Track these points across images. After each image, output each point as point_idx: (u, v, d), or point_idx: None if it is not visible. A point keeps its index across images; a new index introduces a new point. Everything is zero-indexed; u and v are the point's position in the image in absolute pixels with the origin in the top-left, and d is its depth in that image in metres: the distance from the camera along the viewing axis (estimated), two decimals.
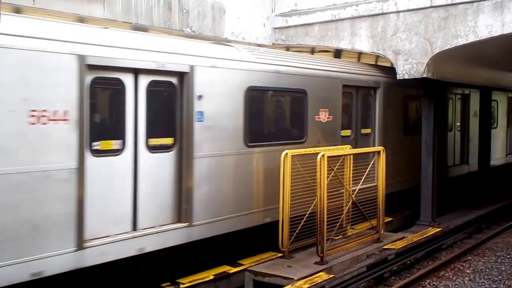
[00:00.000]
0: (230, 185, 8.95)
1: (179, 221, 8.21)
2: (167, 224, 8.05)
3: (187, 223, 8.20)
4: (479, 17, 10.57)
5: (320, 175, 8.65)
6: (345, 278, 8.44)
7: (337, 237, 9.75)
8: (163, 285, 8.22)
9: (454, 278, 9.17)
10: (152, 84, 7.83)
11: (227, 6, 12.52)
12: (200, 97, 8.31)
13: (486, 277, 9.18)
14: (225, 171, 8.86)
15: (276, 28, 13.76)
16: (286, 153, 8.89)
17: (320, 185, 8.68)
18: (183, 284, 8.27)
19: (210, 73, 8.55)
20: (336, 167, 9.33)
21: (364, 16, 12.24)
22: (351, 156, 9.96)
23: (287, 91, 10.30)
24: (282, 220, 8.92)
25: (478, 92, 18.17)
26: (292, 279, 8.06)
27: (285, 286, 7.94)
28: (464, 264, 9.95)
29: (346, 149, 10.22)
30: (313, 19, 13.08)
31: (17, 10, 8.54)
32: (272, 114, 10.42)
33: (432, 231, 11.59)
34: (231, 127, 8.96)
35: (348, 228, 10.19)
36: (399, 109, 13.66)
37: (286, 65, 10.19)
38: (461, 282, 8.96)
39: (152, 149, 7.86)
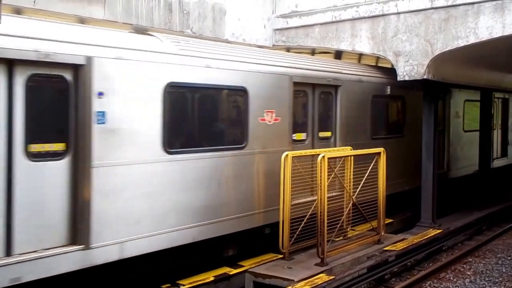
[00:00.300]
0: (145, 199, 7.59)
1: (73, 243, 6.87)
2: (56, 248, 6.68)
3: (83, 245, 6.85)
4: (480, 19, 10.57)
5: (321, 176, 8.65)
6: (345, 280, 8.43)
7: (338, 239, 9.75)
8: (163, 286, 8.20)
9: (455, 279, 9.16)
10: (33, 78, 6.53)
11: (228, 8, 12.53)
12: (100, 94, 7.03)
13: (486, 279, 9.16)
14: (137, 182, 7.49)
15: (277, 29, 13.76)
16: (287, 154, 8.89)
17: (320, 186, 8.68)
18: (183, 285, 8.26)
19: (115, 66, 7.20)
20: (336, 168, 9.34)
21: (364, 18, 12.25)
22: (352, 157, 9.96)
23: (222, 88, 8.92)
24: (283, 221, 8.91)
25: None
26: (293, 280, 8.06)
27: (285, 287, 7.93)
28: (464, 265, 9.93)
29: (347, 151, 10.22)
30: (314, 20, 13.09)
31: (18, 11, 8.54)
32: (202, 116, 8.78)
33: (432, 232, 11.59)
34: (145, 130, 7.59)
35: (348, 229, 10.18)
36: (365, 110, 12.29)
37: (220, 58, 8.84)
38: (462, 283, 8.94)
39: (35, 156, 6.54)
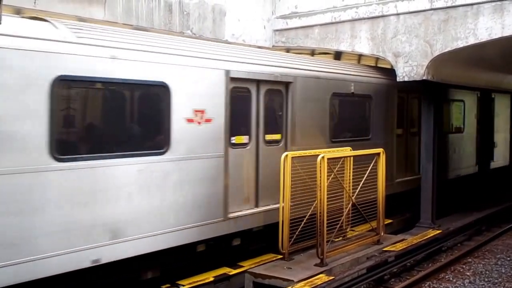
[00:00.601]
0: (23, 216, 6.22)
1: None
2: None
3: None
4: (479, 20, 10.60)
5: (320, 177, 8.66)
6: (345, 280, 8.44)
7: (337, 239, 9.76)
8: (163, 287, 8.20)
9: (454, 280, 9.17)
10: None
11: (228, 9, 12.56)
12: None
13: (486, 279, 9.17)
14: (13, 195, 6.11)
15: (277, 30, 13.79)
16: (286, 155, 8.90)
17: (320, 187, 8.70)
18: (183, 286, 8.25)
19: None
20: (336, 169, 9.35)
21: (364, 19, 12.28)
22: (351, 158, 9.98)
23: (134, 84, 7.48)
24: (282, 221, 8.92)
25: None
26: (292, 281, 8.07)
27: (285, 287, 7.97)
28: (464, 266, 9.94)
29: (346, 151, 10.24)
30: (313, 21, 13.12)
31: (18, 11, 8.56)
32: (106, 116, 7.37)
33: (432, 233, 11.61)
34: (25, 133, 6.20)
35: (348, 230, 10.20)
36: (324, 110, 10.89)
37: (131, 48, 7.43)
38: (461, 284, 8.95)
39: None
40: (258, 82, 9.52)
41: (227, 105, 8.76)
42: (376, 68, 13.80)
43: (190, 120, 8.20)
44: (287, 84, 10.04)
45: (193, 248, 8.44)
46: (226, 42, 12.07)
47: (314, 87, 10.60)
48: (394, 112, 13.28)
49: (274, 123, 9.95)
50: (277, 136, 9.96)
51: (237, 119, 9.13)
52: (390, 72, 12.75)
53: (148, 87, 7.70)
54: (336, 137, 11.18)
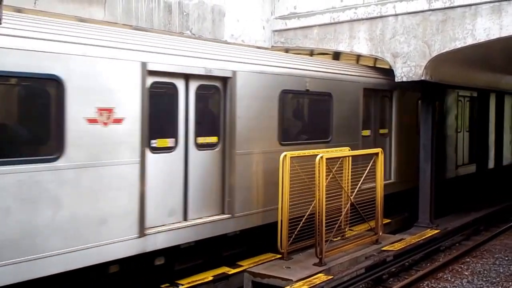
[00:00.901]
0: None
1: None
2: None
3: None
4: (477, 20, 10.64)
5: (319, 176, 8.70)
6: (343, 280, 8.47)
7: (336, 239, 9.80)
8: (162, 286, 8.23)
9: (452, 280, 9.20)
10: None
11: (227, 9, 12.60)
12: None
13: (484, 279, 9.21)
14: None
15: (276, 30, 13.83)
16: (285, 155, 8.93)
17: (318, 186, 8.73)
18: (182, 285, 8.28)
19: None
20: (335, 169, 9.39)
21: (362, 19, 12.32)
22: (350, 158, 10.02)
23: (12, 77, 6.29)
24: (281, 221, 8.96)
25: None
26: (291, 280, 8.09)
27: (284, 287, 7.98)
28: (462, 266, 9.98)
29: (345, 151, 10.28)
30: (312, 22, 13.16)
31: (19, 11, 8.58)
32: None
33: (430, 233, 11.65)
34: None
35: (346, 229, 10.23)
36: (271, 109, 9.73)
37: (8, 34, 6.16)
38: (459, 284, 8.99)
39: None
40: (187, 77, 8.31)
41: (144, 103, 7.48)
42: (339, 63, 12.91)
43: (92, 121, 6.91)
44: (224, 80, 8.88)
45: (105, 269, 7.22)
46: (226, 42, 12.10)
47: (259, 83, 9.41)
48: (360, 112, 12.08)
49: (208, 124, 8.82)
50: (212, 139, 8.83)
51: (160, 120, 8.02)
52: (354, 68, 12.20)
53: (33, 81, 6.44)
54: (287, 140, 10.02)
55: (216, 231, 8.68)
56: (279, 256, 9.19)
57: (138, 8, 10.52)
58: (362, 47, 12.41)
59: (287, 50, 13.89)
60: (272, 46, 13.81)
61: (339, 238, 9.98)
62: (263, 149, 9.44)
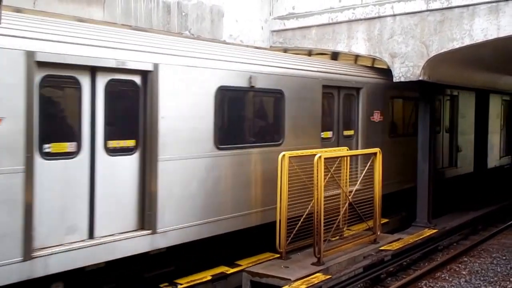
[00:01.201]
0: None
1: None
2: None
3: None
4: (475, 21, 10.68)
5: (317, 176, 8.73)
6: (342, 279, 8.51)
7: (334, 238, 9.83)
8: (161, 285, 8.25)
9: (450, 279, 9.25)
10: None
11: (226, 9, 12.62)
12: None
13: (481, 278, 9.26)
14: None
15: (274, 31, 13.86)
16: (284, 154, 8.96)
17: (317, 186, 8.77)
18: (181, 284, 8.30)
19: None
20: (333, 169, 9.42)
21: (361, 20, 12.35)
22: (348, 158, 10.05)
23: None
24: (280, 221, 8.98)
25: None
26: (289, 279, 8.11)
27: (282, 286, 8.00)
28: (460, 265, 10.03)
29: (343, 151, 10.31)
30: (311, 22, 13.19)
31: (18, 12, 8.59)
32: None
33: (428, 232, 11.68)
34: None
35: (344, 229, 10.27)
36: (205, 109, 8.52)
37: None
38: (457, 283, 9.03)
39: None
40: (93, 71, 7.07)
41: (30, 100, 6.28)
42: (293, 56, 11.63)
43: None
44: (144, 75, 7.64)
45: None
46: (224, 42, 12.13)
47: (188, 79, 8.19)
48: (319, 112, 10.88)
49: (123, 125, 7.58)
50: (128, 143, 7.57)
51: (57, 120, 6.90)
52: (311, 62, 11.02)
53: None
54: (225, 143, 8.82)
55: (132, 250, 7.40)
56: (277, 255, 9.21)
57: (137, 8, 10.54)
58: (360, 48, 12.45)
59: (285, 50, 13.92)
60: (270, 46, 13.84)
61: (337, 237, 10.00)
62: (195, 154, 8.28)
